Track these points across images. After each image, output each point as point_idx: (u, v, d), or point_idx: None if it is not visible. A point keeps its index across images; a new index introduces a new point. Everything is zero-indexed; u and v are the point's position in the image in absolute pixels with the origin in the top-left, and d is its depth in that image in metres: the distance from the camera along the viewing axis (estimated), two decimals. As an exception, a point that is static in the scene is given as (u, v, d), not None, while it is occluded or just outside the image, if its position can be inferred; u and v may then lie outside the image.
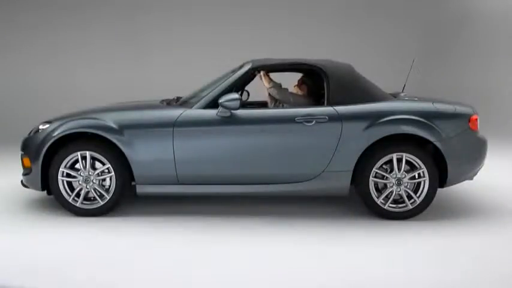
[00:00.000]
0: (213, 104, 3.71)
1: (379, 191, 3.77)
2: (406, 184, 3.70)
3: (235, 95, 3.60)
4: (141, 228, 3.56)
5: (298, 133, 3.65)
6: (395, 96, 4.05)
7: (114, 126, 3.68)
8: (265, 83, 4.20)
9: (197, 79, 5.31)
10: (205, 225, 3.62)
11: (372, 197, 3.71)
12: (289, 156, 3.68)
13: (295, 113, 3.68)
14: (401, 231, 3.49)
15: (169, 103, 4.15)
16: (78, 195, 3.75)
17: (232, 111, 3.64)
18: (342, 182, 3.71)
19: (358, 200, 4.19)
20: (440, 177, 3.75)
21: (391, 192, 3.71)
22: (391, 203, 3.73)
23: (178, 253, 3.09)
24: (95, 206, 3.77)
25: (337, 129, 3.64)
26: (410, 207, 3.71)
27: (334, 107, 3.70)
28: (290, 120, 3.65)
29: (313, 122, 3.64)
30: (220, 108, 3.64)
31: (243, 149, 3.67)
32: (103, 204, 3.76)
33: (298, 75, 4.50)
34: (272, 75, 4.31)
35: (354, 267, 2.88)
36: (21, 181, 3.97)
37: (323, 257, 3.03)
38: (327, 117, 3.65)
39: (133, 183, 3.80)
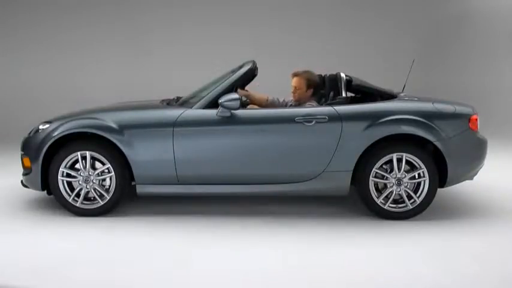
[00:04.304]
0: (213, 104, 3.71)
1: (379, 191, 3.77)
2: (406, 184, 3.69)
3: (235, 95, 3.60)
4: (141, 228, 3.56)
5: (298, 133, 3.65)
6: (395, 96, 4.04)
7: (114, 126, 3.68)
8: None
9: (197, 79, 5.31)
10: (205, 225, 3.62)
11: (372, 197, 3.71)
12: (289, 156, 3.67)
13: (295, 113, 3.68)
14: (401, 231, 3.49)
15: (169, 103, 4.15)
16: (78, 195, 3.75)
17: (232, 111, 3.64)
18: (342, 182, 3.71)
19: (358, 200, 4.18)
20: (440, 177, 3.74)
21: (391, 192, 3.71)
22: (391, 203, 3.72)
23: (178, 253, 3.09)
24: (95, 206, 3.77)
25: (337, 129, 3.64)
26: (410, 207, 3.71)
27: (334, 107, 3.70)
28: (290, 120, 3.65)
29: (313, 122, 3.64)
30: (220, 108, 3.64)
31: (243, 149, 3.67)
32: (103, 204, 3.76)
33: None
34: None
35: (353, 267, 2.88)
36: (21, 181, 3.97)
37: (323, 257, 3.02)
38: (326, 117, 3.64)
39: (133, 183, 3.80)
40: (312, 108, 3.74)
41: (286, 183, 3.72)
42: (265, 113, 3.74)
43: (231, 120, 3.65)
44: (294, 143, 3.66)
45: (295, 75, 4.05)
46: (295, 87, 4.02)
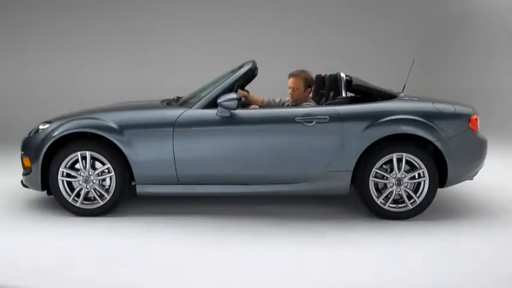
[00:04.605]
0: (213, 104, 3.70)
1: (379, 191, 3.77)
2: (406, 184, 3.69)
3: (234, 95, 3.59)
4: (141, 228, 3.56)
5: (298, 133, 3.64)
6: (395, 96, 4.04)
7: (114, 126, 3.67)
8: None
9: (197, 79, 5.31)
10: (205, 225, 3.62)
11: (372, 197, 3.71)
12: (289, 157, 3.67)
13: (295, 113, 3.67)
14: (401, 231, 3.49)
15: (169, 103, 4.15)
16: (78, 195, 3.75)
17: (232, 111, 3.64)
18: (342, 182, 3.71)
19: (358, 200, 4.18)
20: (440, 177, 3.74)
21: (391, 192, 3.71)
22: (391, 203, 3.72)
23: (178, 253, 3.09)
24: (95, 206, 3.77)
25: (338, 129, 3.64)
26: (410, 207, 3.71)
27: (335, 107, 3.70)
28: (290, 120, 3.64)
29: (314, 122, 3.64)
30: (219, 108, 3.64)
31: (242, 149, 3.67)
32: (103, 204, 3.76)
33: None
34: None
35: (353, 267, 2.88)
36: (21, 181, 3.97)
37: (323, 257, 3.02)
38: (327, 118, 3.64)
39: (133, 183, 3.80)
40: (312, 108, 3.73)
41: (287, 183, 3.72)
42: (265, 113, 3.73)
43: (231, 120, 3.65)
44: (294, 143, 3.65)
45: (292, 75, 4.02)
46: (293, 87, 3.99)
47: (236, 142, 3.67)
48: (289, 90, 4.03)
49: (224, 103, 3.57)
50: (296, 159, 3.68)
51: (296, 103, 4.03)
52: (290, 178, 3.71)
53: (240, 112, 3.67)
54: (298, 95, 4.00)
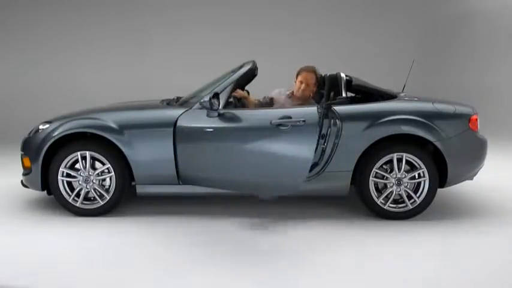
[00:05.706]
0: (213, 104, 3.68)
1: (379, 191, 3.77)
2: (406, 184, 3.70)
3: (208, 96, 3.52)
4: (140, 228, 3.56)
5: (296, 133, 3.57)
6: (395, 97, 4.03)
7: (114, 126, 3.67)
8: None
9: (197, 79, 5.31)
10: (205, 225, 3.62)
11: (371, 197, 3.71)
12: (286, 159, 3.53)
13: (291, 113, 3.60)
14: (401, 231, 3.49)
15: (169, 103, 4.14)
16: (78, 195, 3.75)
17: (219, 111, 3.56)
18: (342, 182, 3.71)
19: (358, 200, 4.18)
20: (440, 177, 3.74)
21: (391, 192, 3.71)
22: (391, 203, 3.73)
23: (179, 253, 3.09)
24: (95, 206, 3.77)
25: (337, 129, 3.63)
26: (410, 207, 3.71)
27: (334, 107, 3.69)
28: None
29: (308, 123, 3.57)
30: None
31: (232, 152, 3.56)
32: (103, 204, 3.76)
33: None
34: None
35: (353, 267, 2.88)
36: (21, 181, 3.97)
37: (322, 257, 3.02)
38: (324, 118, 3.62)
39: (133, 183, 3.80)
40: (310, 108, 3.67)
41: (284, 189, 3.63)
42: (259, 114, 3.64)
43: (229, 121, 3.61)
44: (292, 143, 3.57)
45: (307, 70, 3.91)
46: (307, 83, 3.86)
47: (232, 143, 3.56)
48: (301, 85, 3.88)
49: (203, 103, 3.53)
50: (294, 160, 3.50)
51: (299, 102, 3.95)
52: (285, 184, 3.54)
53: (229, 113, 3.59)
54: (308, 92, 3.90)
